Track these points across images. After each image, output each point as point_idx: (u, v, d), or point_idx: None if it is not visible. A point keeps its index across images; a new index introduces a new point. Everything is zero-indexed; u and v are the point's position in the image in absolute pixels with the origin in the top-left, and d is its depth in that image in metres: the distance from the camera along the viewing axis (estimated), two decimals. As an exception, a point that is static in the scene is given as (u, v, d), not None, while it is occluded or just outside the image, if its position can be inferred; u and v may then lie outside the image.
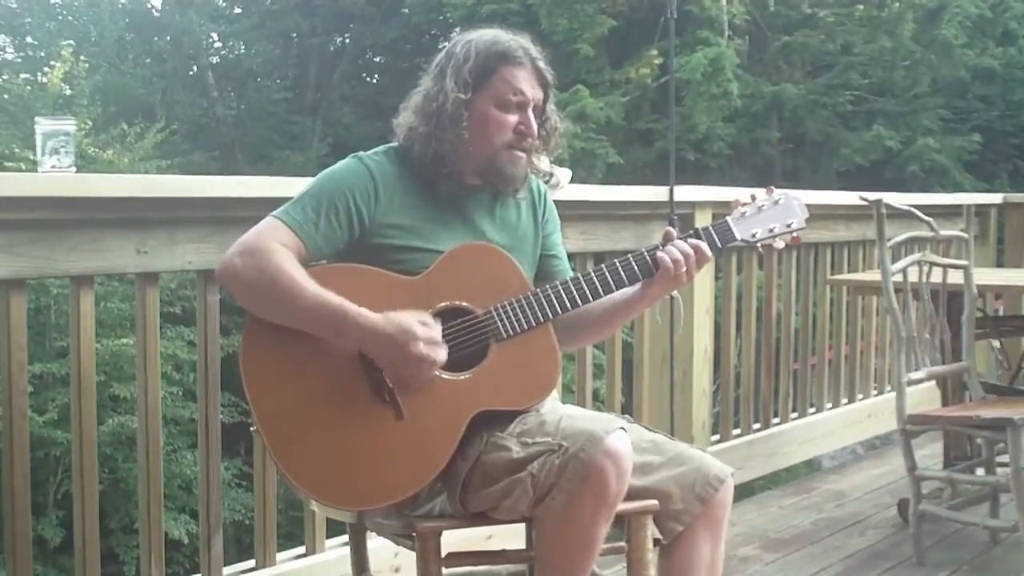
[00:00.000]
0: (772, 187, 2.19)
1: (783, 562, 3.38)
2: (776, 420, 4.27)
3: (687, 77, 11.87)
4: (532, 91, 2.05)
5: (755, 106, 13.00)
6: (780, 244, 2.16)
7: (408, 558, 2.13)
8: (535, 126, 2.06)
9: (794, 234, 2.16)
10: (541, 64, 2.07)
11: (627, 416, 2.04)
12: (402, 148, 2.07)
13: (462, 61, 2.02)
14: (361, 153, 2.06)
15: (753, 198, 2.14)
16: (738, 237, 2.10)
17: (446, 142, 2.01)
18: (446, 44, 2.10)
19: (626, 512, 1.92)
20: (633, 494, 1.91)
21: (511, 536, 2.18)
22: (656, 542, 1.99)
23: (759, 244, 2.14)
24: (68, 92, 11.15)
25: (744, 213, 2.12)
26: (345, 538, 2.54)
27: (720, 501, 2.00)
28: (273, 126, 16.25)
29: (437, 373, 1.91)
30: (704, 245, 2.06)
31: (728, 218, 2.12)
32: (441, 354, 1.89)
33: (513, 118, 2.04)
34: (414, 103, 2.07)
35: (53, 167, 2.26)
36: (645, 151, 13.19)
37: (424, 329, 1.87)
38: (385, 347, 1.87)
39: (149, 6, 18.04)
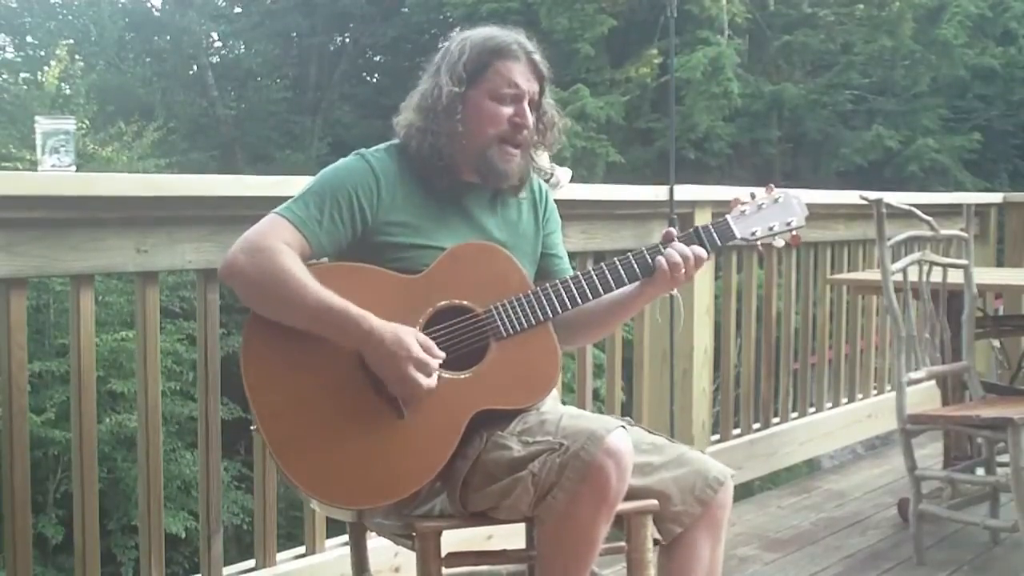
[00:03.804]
0: (772, 185, 2.19)
1: (783, 562, 3.38)
2: (776, 420, 4.27)
3: (687, 76, 11.86)
4: (527, 84, 2.05)
5: (755, 105, 12.98)
6: (780, 243, 2.16)
7: (408, 558, 2.12)
8: (530, 118, 2.06)
9: (793, 232, 2.16)
10: (536, 57, 2.07)
11: (627, 419, 2.04)
12: (401, 145, 2.08)
13: (457, 57, 2.03)
14: (363, 150, 2.06)
15: (753, 196, 2.14)
16: (738, 235, 2.10)
17: (442, 135, 2.02)
18: (444, 43, 2.10)
19: (626, 512, 1.92)
20: (633, 494, 1.91)
21: (511, 536, 2.18)
22: (656, 543, 1.99)
23: (759, 243, 2.14)
24: (67, 91, 11.14)
25: (744, 211, 2.12)
26: (345, 538, 2.54)
27: (720, 503, 2.00)
28: (273, 126, 16.24)
29: (430, 385, 1.90)
30: (702, 250, 2.06)
31: (728, 216, 2.12)
32: (427, 382, 1.88)
33: (508, 110, 2.04)
34: (412, 102, 2.08)
35: (53, 166, 2.26)
36: (645, 150, 13.18)
37: (419, 351, 1.87)
38: (379, 354, 1.87)
39: (149, 5, 18.04)
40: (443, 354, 1.91)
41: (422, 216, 2.03)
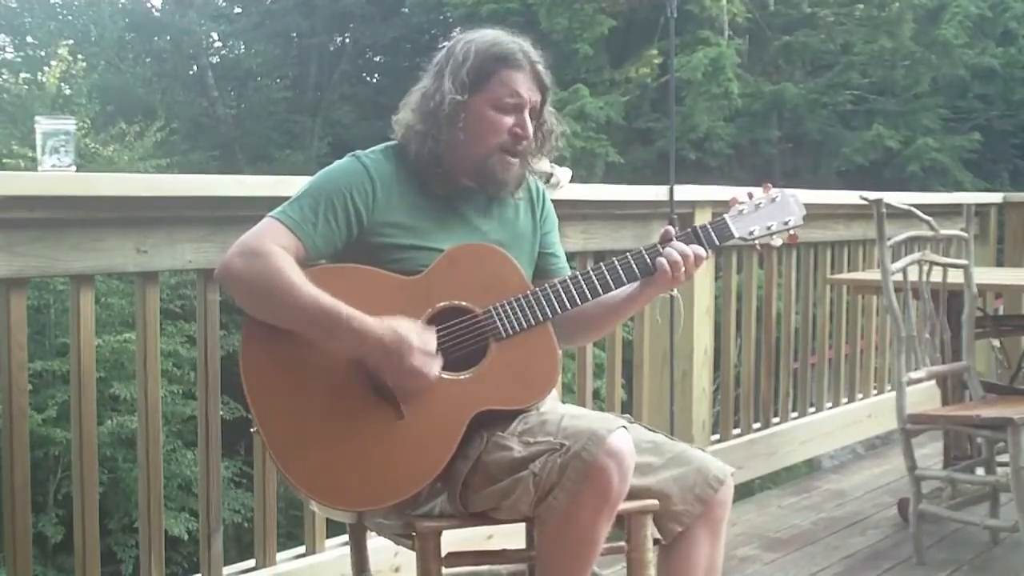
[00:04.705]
0: (769, 184, 2.19)
1: (783, 562, 3.38)
2: (776, 420, 4.27)
3: (687, 76, 11.87)
4: (529, 94, 2.04)
5: (755, 106, 12.99)
6: (777, 242, 2.16)
7: (408, 558, 2.12)
8: (530, 129, 2.05)
9: (791, 231, 2.15)
10: (540, 67, 2.06)
11: (627, 416, 2.04)
12: (400, 146, 2.07)
13: (460, 62, 2.02)
14: (358, 152, 2.05)
15: (750, 196, 2.14)
16: (736, 235, 2.10)
17: (442, 142, 2.02)
18: (447, 43, 2.09)
19: (626, 512, 1.92)
20: (633, 494, 1.91)
21: (511, 536, 2.18)
22: (656, 542, 1.99)
23: (757, 242, 2.14)
24: (68, 91, 11.15)
25: (742, 211, 2.12)
26: (345, 538, 2.54)
27: (720, 501, 2.00)
28: (273, 126, 16.26)
29: (437, 373, 1.91)
30: (701, 248, 2.06)
31: (726, 216, 2.12)
32: (435, 367, 1.89)
33: (509, 120, 2.03)
34: (413, 101, 2.07)
35: (53, 166, 2.26)
36: (645, 150, 13.18)
37: (420, 339, 1.87)
38: (380, 353, 1.87)
39: (149, 6, 18.05)
40: (434, 336, 1.91)
41: (419, 217, 2.02)
